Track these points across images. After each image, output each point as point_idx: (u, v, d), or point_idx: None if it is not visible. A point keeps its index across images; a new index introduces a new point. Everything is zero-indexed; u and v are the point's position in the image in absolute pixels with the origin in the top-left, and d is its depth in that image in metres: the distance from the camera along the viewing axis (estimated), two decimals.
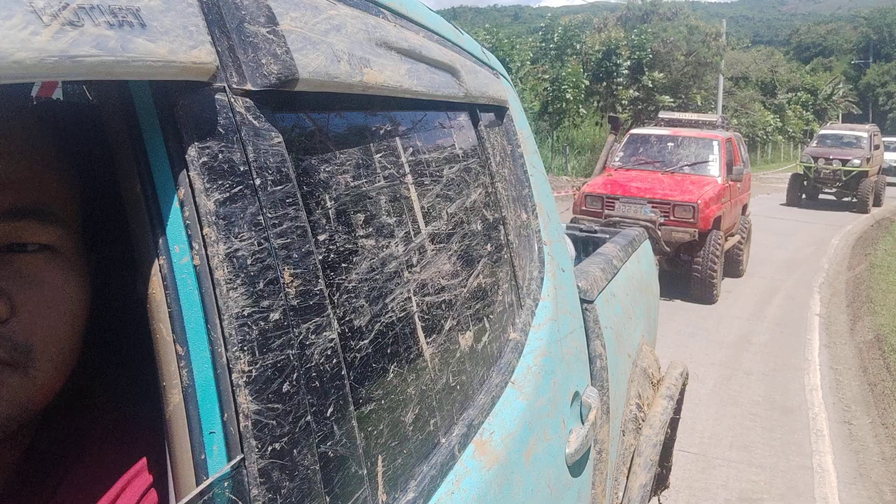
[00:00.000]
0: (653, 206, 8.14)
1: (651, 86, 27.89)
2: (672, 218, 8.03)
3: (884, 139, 22.93)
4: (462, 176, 1.21)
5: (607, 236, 3.50)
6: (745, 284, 9.57)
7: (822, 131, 20.61)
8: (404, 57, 1.00)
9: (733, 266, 9.53)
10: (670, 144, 9.53)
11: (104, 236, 0.75)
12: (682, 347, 6.47)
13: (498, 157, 1.43)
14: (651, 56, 28.28)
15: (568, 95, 24.00)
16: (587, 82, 25.54)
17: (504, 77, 1.67)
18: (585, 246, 3.66)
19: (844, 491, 4.20)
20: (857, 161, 17.67)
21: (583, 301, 1.85)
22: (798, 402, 5.51)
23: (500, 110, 1.53)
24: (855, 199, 17.82)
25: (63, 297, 0.66)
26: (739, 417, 5.17)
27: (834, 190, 18.43)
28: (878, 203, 18.81)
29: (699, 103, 29.44)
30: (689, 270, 8.19)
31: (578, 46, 26.86)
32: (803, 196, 18.79)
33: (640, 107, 27.09)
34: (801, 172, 18.85)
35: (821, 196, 18.96)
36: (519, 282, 1.40)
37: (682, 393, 2.54)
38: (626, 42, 27.68)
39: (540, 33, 27.57)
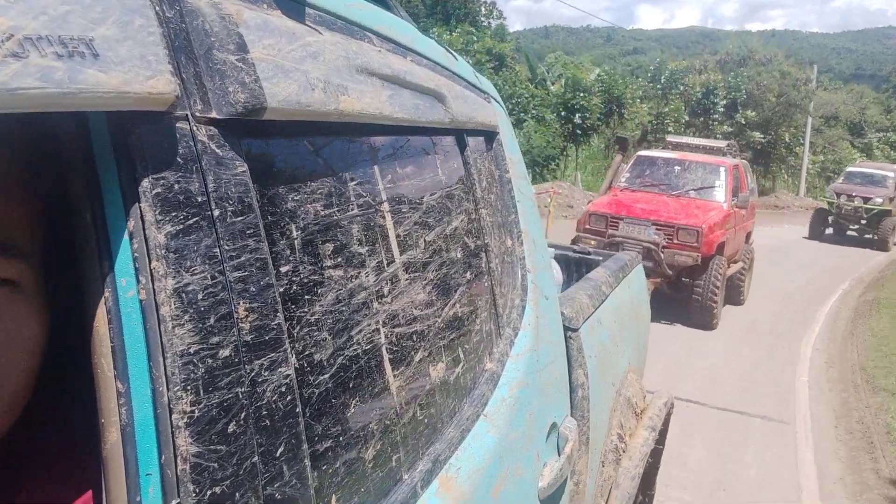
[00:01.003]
0: (657, 229, 8.08)
1: (744, 122, 31.77)
2: (675, 241, 7.98)
3: None
4: (444, 203, 1.20)
5: (600, 258, 3.48)
6: (800, 270, 13.09)
7: (850, 168, 20.51)
8: (386, 83, 0.99)
9: (734, 293, 9.47)
10: (677, 168, 9.49)
11: (64, 269, 0.73)
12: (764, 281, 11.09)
13: (484, 183, 1.41)
14: (745, 96, 32.32)
15: (670, 129, 27.07)
16: (687, 117, 29.91)
17: (496, 101, 1.65)
18: (578, 267, 3.65)
19: (814, 354, 7.87)
20: (879, 200, 17.58)
21: (567, 329, 1.83)
22: (813, 316, 9.74)
23: (489, 135, 1.52)
24: (876, 238, 17.62)
25: (20, 335, 0.63)
26: (778, 316, 9.53)
27: (857, 227, 18.28)
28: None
29: (787, 140, 33.72)
30: (689, 295, 8.12)
31: (682, 88, 31.32)
32: (826, 231, 18.64)
33: (732, 139, 29.34)
34: (826, 207, 18.80)
35: (847, 232, 18.69)
36: (499, 310, 1.38)
37: (666, 423, 2.52)
38: (724, 83, 32.27)
39: (649, 75, 32.84)
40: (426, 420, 1.02)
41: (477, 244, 1.32)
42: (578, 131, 24.84)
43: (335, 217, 0.86)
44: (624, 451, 2.08)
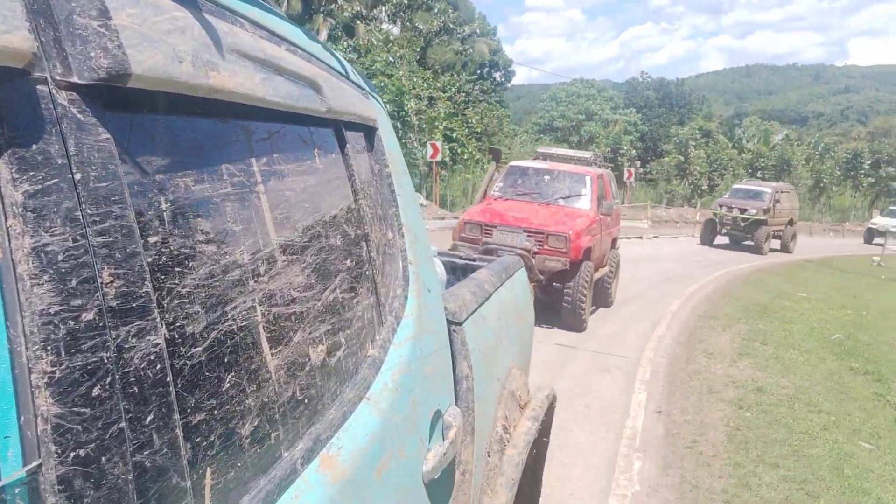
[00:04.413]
0: (528, 235, 8.39)
1: (885, 175, 47.82)
2: (546, 247, 8.31)
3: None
4: (321, 190, 1.21)
5: (485, 264, 3.57)
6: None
7: (736, 185, 24.58)
8: (259, 66, 1.00)
9: (603, 296, 9.94)
10: (546, 177, 9.86)
11: None
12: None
13: (364, 176, 1.44)
14: (887, 157, 48.73)
15: (825, 179, 45.07)
16: (839, 173, 47.51)
17: (375, 98, 1.69)
18: (465, 273, 3.72)
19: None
20: (753, 211, 20.78)
21: (451, 322, 1.87)
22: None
23: (368, 129, 1.54)
24: (753, 243, 20.86)
25: None
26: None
27: (737, 233, 21.48)
28: (786, 250, 22.09)
29: None
30: (560, 299, 8.45)
31: (833, 154, 49.38)
32: (715, 238, 22.02)
33: (877, 188, 48.14)
34: (713, 218, 22.15)
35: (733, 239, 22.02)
36: (381, 299, 1.40)
37: (548, 414, 2.61)
38: (869, 149, 50.19)
39: (811, 144, 51.70)
40: (307, 400, 1.03)
41: (357, 234, 1.34)
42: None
43: (208, 194, 0.86)
44: (508, 442, 2.14)
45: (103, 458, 0.60)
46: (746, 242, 21.24)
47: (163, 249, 0.75)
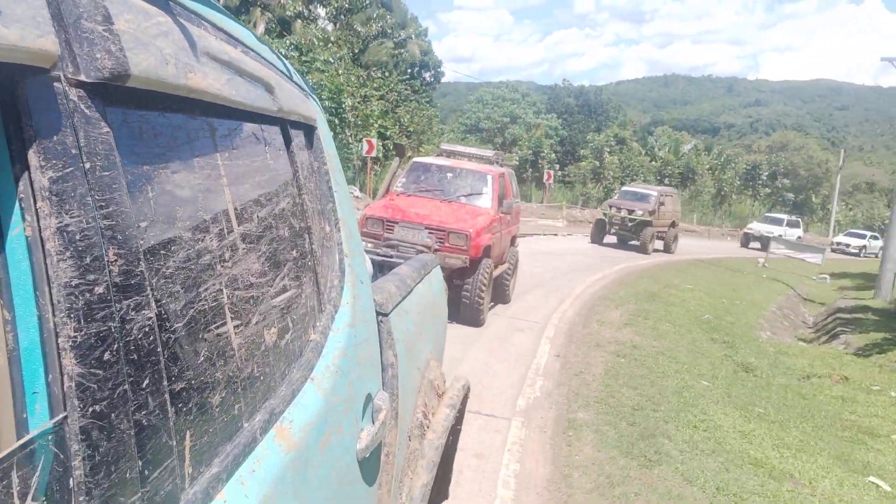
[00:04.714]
0: (429, 232, 8.46)
1: (780, 186, 54.50)
2: (447, 244, 8.41)
3: (772, 215, 36.53)
4: (272, 184, 1.29)
5: (402, 262, 3.69)
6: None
7: (625, 188, 25.73)
8: (224, 67, 1.08)
9: (501, 292, 10.18)
10: (449, 175, 9.94)
11: None
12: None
13: (305, 172, 1.53)
14: (783, 169, 55.82)
15: (726, 188, 48.50)
16: (739, 182, 51.86)
17: (313, 99, 1.77)
18: (382, 269, 3.82)
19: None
20: (640, 212, 21.86)
21: (378, 313, 1.98)
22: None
23: (309, 129, 1.63)
24: (639, 243, 21.97)
25: None
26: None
27: (625, 233, 22.55)
28: (668, 250, 23.25)
29: (813, 200, 57.39)
30: (459, 294, 8.58)
31: (734, 164, 53.00)
32: (604, 238, 22.96)
33: (773, 198, 53.59)
34: (603, 218, 23.09)
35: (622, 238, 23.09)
36: (321, 288, 1.50)
37: (463, 403, 2.75)
38: (767, 162, 55.87)
39: (714, 154, 54.41)
40: (262, 377, 1.12)
41: (301, 226, 1.43)
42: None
43: (183, 184, 0.94)
44: (428, 427, 2.27)
45: (112, 415, 0.68)
46: (633, 242, 22.29)
47: (151, 232, 0.83)
